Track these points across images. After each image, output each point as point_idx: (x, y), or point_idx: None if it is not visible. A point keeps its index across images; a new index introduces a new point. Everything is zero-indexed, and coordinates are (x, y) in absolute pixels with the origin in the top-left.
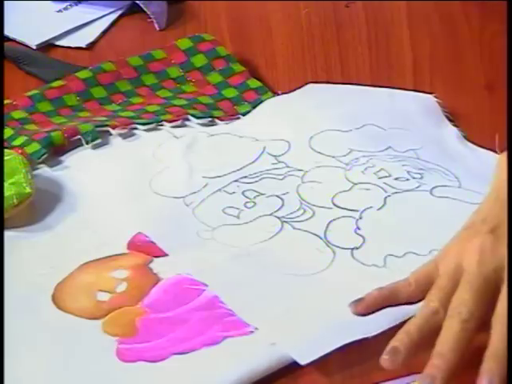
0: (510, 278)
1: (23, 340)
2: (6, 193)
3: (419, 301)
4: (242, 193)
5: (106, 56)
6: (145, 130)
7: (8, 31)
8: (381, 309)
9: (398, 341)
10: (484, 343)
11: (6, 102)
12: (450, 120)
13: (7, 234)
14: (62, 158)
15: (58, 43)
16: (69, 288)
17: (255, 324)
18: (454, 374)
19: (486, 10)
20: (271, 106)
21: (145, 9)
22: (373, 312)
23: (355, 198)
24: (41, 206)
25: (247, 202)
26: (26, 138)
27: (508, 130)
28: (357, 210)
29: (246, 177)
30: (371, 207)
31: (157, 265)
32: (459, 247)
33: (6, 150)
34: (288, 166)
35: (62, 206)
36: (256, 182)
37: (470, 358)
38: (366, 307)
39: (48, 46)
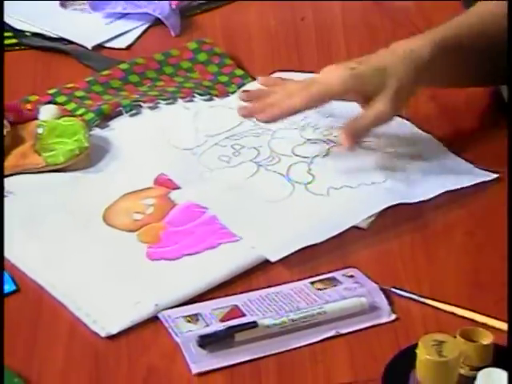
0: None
1: (83, 245)
2: (71, 146)
3: None
4: (231, 146)
5: (139, 53)
6: (165, 104)
7: (72, 36)
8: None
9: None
10: None
11: (70, 85)
12: None
13: (71, 174)
14: (109, 123)
15: (106, 45)
16: (114, 210)
17: (240, 234)
18: None
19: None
20: (251, 87)
21: (165, 22)
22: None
23: (308, 149)
24: (94, 155)
25: (234, 152)
26: (84, 109)
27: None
28: (309, 157)
29: (233, 135)
30: (318, 155)
31: (173, 195)
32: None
33: (71, 118)
34: (262, 128)
35: (109, 156)
36: (240, 138)
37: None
38: None
39: (99, 46)
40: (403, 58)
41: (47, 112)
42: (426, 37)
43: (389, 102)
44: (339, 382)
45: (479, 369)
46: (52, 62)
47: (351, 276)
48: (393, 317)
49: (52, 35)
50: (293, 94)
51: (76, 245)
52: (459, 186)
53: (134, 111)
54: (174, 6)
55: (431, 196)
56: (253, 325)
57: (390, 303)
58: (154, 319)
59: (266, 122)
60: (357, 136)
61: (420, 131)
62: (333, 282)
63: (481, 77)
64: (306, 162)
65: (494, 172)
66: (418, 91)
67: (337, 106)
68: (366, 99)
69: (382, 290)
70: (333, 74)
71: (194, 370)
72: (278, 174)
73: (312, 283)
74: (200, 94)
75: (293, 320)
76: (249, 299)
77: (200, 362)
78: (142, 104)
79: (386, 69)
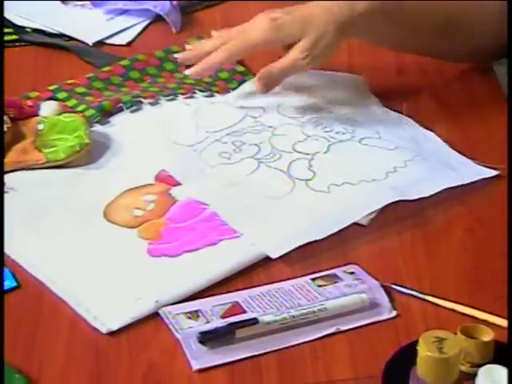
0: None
1: (84, 241)
2: (72, 142)
3: None
4: (232, 142)
5: (139, 50)
6: (166, 100)
7: (73, 33)
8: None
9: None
10: None
11: (71, 81)
12: (373, 93)
13: (72, 171)
14: (110, 119)
15: (107, 41)
16: (115, 207)
17: (241, 230)
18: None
19: None
20: (252, 84)
21: (166, 18)
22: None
23: (308, 145)
24: (95, 151)
25: (235, 149)
26: (85, 105)
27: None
28: (310, 154)
29: (234, 131)
30: (319, 152)
31: (174, 191)
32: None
33: (71, 114)
34: (263, 124)
35: (109, 152)
36: (241, 135)
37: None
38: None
39: (100, 43)
40: (328, 9)
41: (48, 108)
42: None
43: (304, 51)
44: (340, 379)
45: (480, 365)
46: (53, 59)
47: (352, 273)
48: (393, 313)
49: (53, 31)
50: (217, 47)
51: (76, 241)
52: (460, 183)
53: (134, 107)
54: (174, 3)
55: (432, 193)
56: (253, 321)
57: (391, 300)
58: (154, 315)
59: (192, 76)
60: (270, 81)
61: (421, 128)
62: (333, 278)
63: (419, 46)
64: (306, 159)
65: (494, 169)
66: (340, 44)
67: (336, 103)
68: (286, 47)
69: (383, 286)
70: (255, 25)
71: (195, 366)
72: (278, 171)
73: (313, 280)
74: (201, 91)
75: (293, 316)
76: (249, 296)
77: (200, 358)
78: (142, 100)
79: (307, 18)
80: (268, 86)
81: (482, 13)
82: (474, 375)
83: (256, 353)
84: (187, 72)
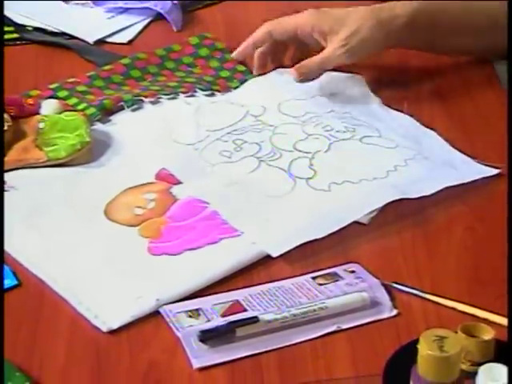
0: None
1: (84, 240)
2: (73, 141)
3: None
4: (233, 141)
5: (140, 48)
6: (167, 99)
7: (73, 31)
8: None
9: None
10: None
11: (71, 79)
12: (373, 91)
13: (73, 169)
14: (111, 117)
15: (107, 40)
16: (115, 205)
17: (242, 229)
18: None
19: None
20: (252, 83)
21: (166, 17)
22: None
23: (309, 144)
24: (96, 150)
25: (236, 147)
26: (86, 104)
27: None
28: (310, 152)
29: (235, 130)
30: (320, 150)
31: (175, 190)
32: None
33: (72, 112)
34: (264, 123)
35: (110, 150)
36: (242, 133)
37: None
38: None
39: (101, 41)
40: (370, 8)
41: (49, 107)
42: (411, 3)
43: (336, 48)
44: (340, 377)
45: (480, 364)
46: (54, 57)
47: (352, 271)
48: (394, 312)
49: (54, 30)
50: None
51: (77, 239)
52: (460, 182)
53: (135, 106)
54: (175, 1)
55: (432, 191)
56: (254, 320)
57: (392, 298)
58: (155, 314)
59: (237, 57)
60: (306, 73)
61: (421, 127)
62: (334, 277)
63: (460, 48)
64: (307, 158)
65: (494, 167)
66: (380, 49)
67: (337, 102)
68: (326, 39)
69: (384, 285)
70: (295, 16)
71: (195, 364)
72: (279, 169)
73: (313, 278)
74: (202, 89)
75: (294, 315)
76: (250, 294)
77: (201, 356)
78: (143, 99)
79: (346, 16)
80: (306, 77)
81: None
82: (475, 374)
83: (256, 351)
84: (233, 55)
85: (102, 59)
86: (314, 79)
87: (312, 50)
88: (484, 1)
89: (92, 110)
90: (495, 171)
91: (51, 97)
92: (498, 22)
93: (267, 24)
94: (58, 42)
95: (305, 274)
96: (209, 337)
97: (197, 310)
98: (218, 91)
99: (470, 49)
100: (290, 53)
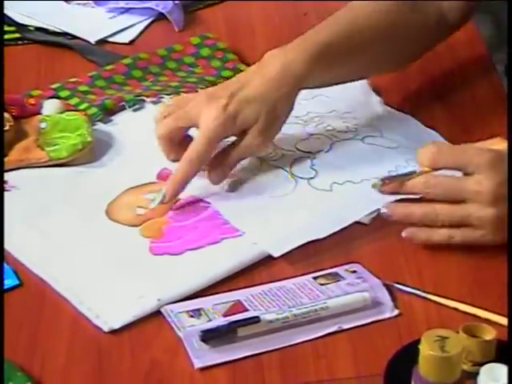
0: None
1: (86, 239)
2: (74, 141)
3: None
4: None
5: (142, 48)
6: (169, 99)
7: (75, 31)
8: None
9: None
10: None
11: (73, 79)
12: (375, 91)
13: (74, 169)
14: (112, 117)
15: (109, 40)
16: (117, 205)
17: (243, 229)
18: None
19: None
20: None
21: (168, 16)
22: None
23: (311, 144)
24: (97, 150)
25: None
26: (87, 104)
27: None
28: (312, 152)
29: None
30: (322, 150)
31: None
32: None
33: (74, 112)
34: None
35: (112, 150)
36: None
37: None
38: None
39: (102, 41)
40: (276, 80)
41: (50, 106)
42: (300, 48)
43: (259, 135)
44: (342, 377)
45: (482, 364)
46: (55, 57)
47: (354, 271)
48: (395, 312)
49: (55, 30)
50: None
51: (79, 239)
52: None
53: (137, 106)
54: (176, 1)
55: None
56: (255, 320)
57: (393, 298)
58: (156, 314)
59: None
60: (225, 167)
61: (423, 127)
62: (336, 277)
63: (359, 71)
64: (309, 157)
65: None
66: (291, 107)
67: (338, 102)
68: (241, 133)
69: (385, 285)
70: (208, 118)
71: (197, 364)
72: (280, 169)
73: (315, 278)
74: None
75: (295, 315)
76: (251, 294)
77: (202, 356)
78: (145, 99)
79: (257, 100)
80: (221, 177)
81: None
82: (476, 374)
83: (258, 351)
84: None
85: (103, 59)
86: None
87: None
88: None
89: (93, 110)
90: None
91: (53, 97)
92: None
93: (185, 159)
94: (60, 42)
95: (306, 274)
96: (210, 337)
97: (198, 309)
98: None
99: (377, 64)
100: None
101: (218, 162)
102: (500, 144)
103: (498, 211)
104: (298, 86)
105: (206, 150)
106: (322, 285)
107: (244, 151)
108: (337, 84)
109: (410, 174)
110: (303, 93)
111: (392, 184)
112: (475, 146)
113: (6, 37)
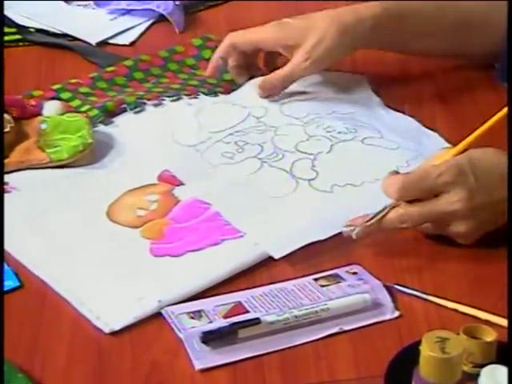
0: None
1: (87, 241)
2: (75, 142)
3: None
4: (235, 142)
5: (143, 50)
6: (170, 101)
7: (76, 33)
8: None
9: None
10: None
11: (74, 81)
12: (375, 92)
13: (75, 171)
14: (113, 119)
15: (110, 41)
16: (118, 207)
17: (244, 230)
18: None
19: None
20: (254, 84)
21: (169, 18)
22: None
23: (311, 145)
24: (98, 151)
25: (238, 149)
26: (89, 106)
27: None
28: (312, 154)
29: (237, 131)
30: (322, 151)
31: (177, 191)
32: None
33: (75, 114)
34: (265, 124)
35: (112, 152)
36: (244, 135)
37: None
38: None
39: (103, 43)
40: (332, 14)
41: (51, 108)
42: (375, 4)
43: (304, 56)
44: (342, 379)
45: (482, 366)
46: (56, 58)
47: (355, 273)
48: (396, 313)
49: (56, 31)
50: None
51: (79, 241)
52: None
53: (138, 108)
54: (177, 2)
55: None
56: (256, 321)
57: (394, 300)
58: (157, 315)
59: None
60: (270, 88)
61: (423, 128)
62: (336, 278)
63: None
64: (309, 159)
65: None
66: (346, 54)
67: (339, 103)
68: (291, 51)
69: (386, 286)
70: (263, 26)
71: (197, 366)
72: (281, 171)
73: (315, 280)
74: (204, 93)
75: (296, 316)
76: (252, 296)
77: (203, 358)
78: (146, 101)
79: (310, 22)
80: (270, 93)
81: (492, 13)
82: (477, 375)
83: (259, 353)
84: (206, 73)
85: (104, 60)
86: (280, 92)
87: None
88: (456, 1)
89: (95, 112)
90: None
91: (53, 98)
92: (472, 22)
93: (230, 36)
94: (61, 44)
95: (307, 275)
96: (211, 338)
97: (199, 311)
98: (221, 93)
99: (441, 49)
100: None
101: (267, 81)
102: (448, 154)
103: (477, 220)
104: (348, 29)
105: (244, 41)
106: (322, 286)
107: (290, 70)
108: (388, 50)
109: (383, 211)
110: (302, 94)
111: (369, 225)
112: (433, 165)
113: (7, 38)
